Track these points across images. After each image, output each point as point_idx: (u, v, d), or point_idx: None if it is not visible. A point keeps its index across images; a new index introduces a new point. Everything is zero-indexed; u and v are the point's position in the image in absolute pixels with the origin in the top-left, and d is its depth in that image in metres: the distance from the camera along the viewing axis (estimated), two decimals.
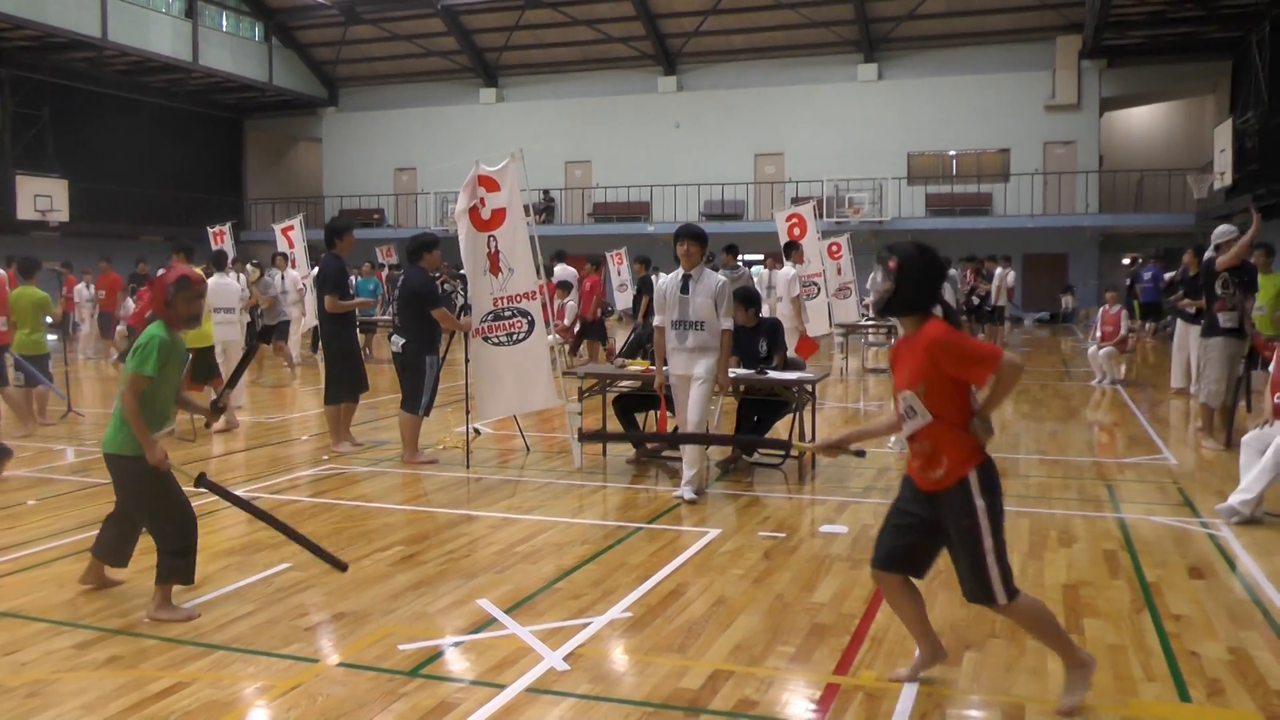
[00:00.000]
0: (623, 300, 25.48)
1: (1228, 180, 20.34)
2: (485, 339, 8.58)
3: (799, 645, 4.66)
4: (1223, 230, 9.49)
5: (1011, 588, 3.82)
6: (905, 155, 32.04)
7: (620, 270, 25.12)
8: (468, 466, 8.79)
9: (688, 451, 7.55)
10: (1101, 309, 15.13)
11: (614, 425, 9.32)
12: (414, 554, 6.17)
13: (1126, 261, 28.82)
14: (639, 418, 9.24)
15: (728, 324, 7.42)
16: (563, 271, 18.51)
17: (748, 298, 8.93)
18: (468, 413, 9.13)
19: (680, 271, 7.42)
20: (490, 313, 8.56)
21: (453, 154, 34.49)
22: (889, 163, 31.61)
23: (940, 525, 3.89)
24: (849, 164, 31.35)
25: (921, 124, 31.63)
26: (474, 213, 8.41)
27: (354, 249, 9.71)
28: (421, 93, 35.96)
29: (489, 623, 4.97)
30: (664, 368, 7.54)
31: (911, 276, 3.87)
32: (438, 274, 20.25)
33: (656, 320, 7.52)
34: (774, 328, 9.06)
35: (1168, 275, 22.59)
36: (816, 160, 31.79)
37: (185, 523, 5.02)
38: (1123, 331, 14.69)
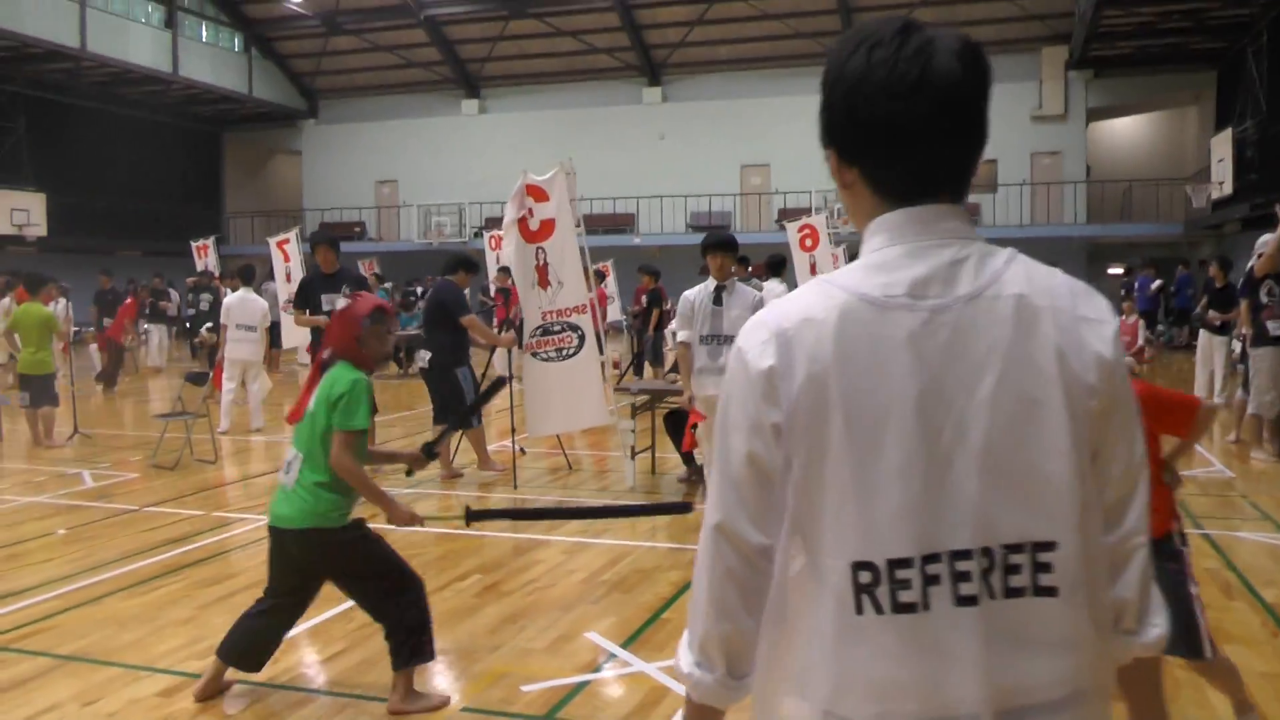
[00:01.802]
0: (611, 313, 25.18)
1: (1227, 189, 20.38)
2: (534, 354, 8.29)
3: None
4: (1265, 240, 9.34)
5: (1213, 641, 3.63)
6: None
7: (607, 283, 24.83)
8: (515, 486, 8.49)
9: None
10: (1119, 319, 15.01)
11: (664, 441, 9.02)
12: (495, 583, 5.86)
13: (1119, 271, 28.95)
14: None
15: None
16: None
17: None
18: (514, 431, 8.84)
19: (711, 283, 6.90)
20: (539, 327, 8.27)
21: (435, 166, 34.17)
22: None
23: None
24: None
25: None
26: (523, 224, 8.13)
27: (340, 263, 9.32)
28: (403, 104, 35.53)
29: (609, 659, 4.69)
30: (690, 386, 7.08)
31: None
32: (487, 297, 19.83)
33: (682, 336, 6.97)
34: None
35: (1155, 284, 22.74)
36: (803, 172, 31.59)
37: (418, 590, 4.15)
38: (1140, 341, 14.61)
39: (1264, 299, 9.16)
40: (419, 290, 23.07)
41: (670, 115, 33.24)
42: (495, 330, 13.28)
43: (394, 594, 4.07)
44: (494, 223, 29.62)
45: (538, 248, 8.20)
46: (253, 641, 4.21)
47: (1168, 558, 3.48)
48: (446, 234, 32.33)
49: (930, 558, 1.33)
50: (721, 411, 1.46)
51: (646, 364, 16.37)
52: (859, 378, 1.35)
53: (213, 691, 4.25)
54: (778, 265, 13.33)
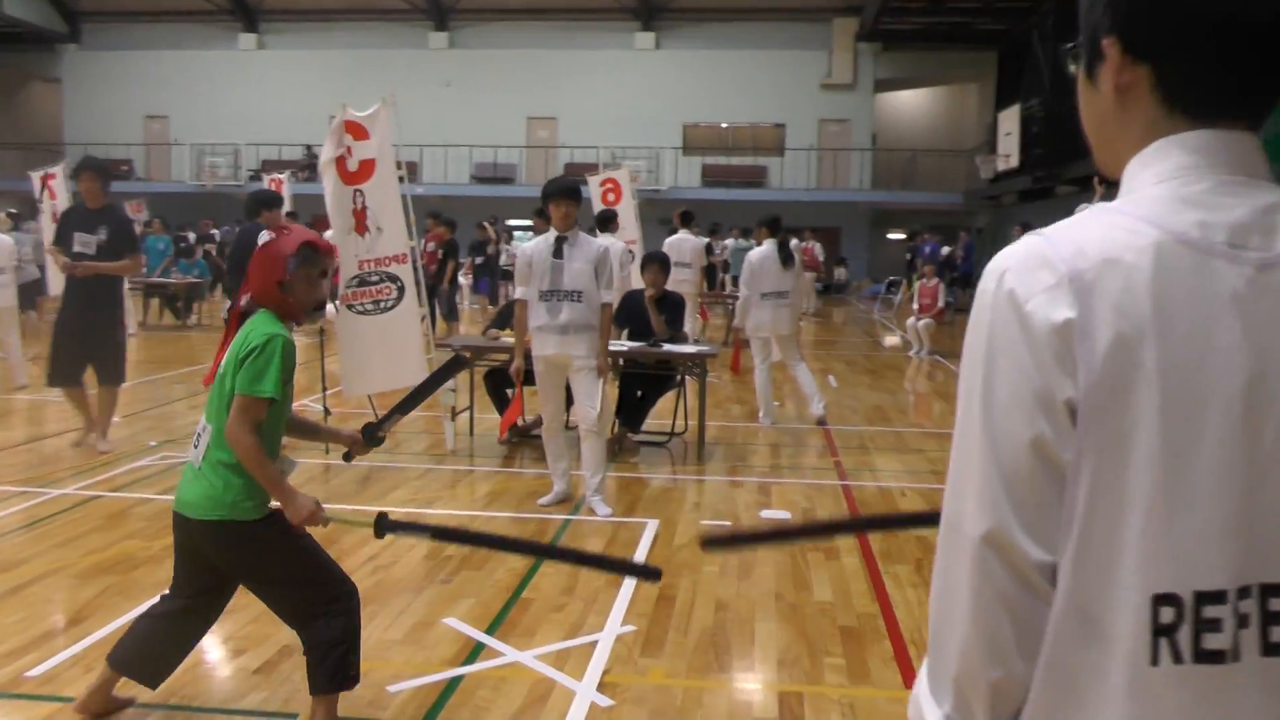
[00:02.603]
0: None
1: (1014, 162, 21.40)
2: (350, 306, 7.53)
3: (845, 656, 4.13)
4: (1083, 207, 9.60)
5: None
6: (681, 126, 32.05)
7: None
8: (326, 451, 7.72)
9: (588, 454, 6.38)
10: (920, 282, 15.43)
11: (484, 402, 8.44)
12: None
13: (900, 236, 30.06)
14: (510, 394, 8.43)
15: (609, 296, 6.46)
16: None
17: (664, 261, 8.31)
18: (324, 390, 8.06)
19: (551, 234, 6.27)
20: (355, 277, 7.51)
21: (210, 103, 31.76)
22: (665, 132, 31.52)
23: None
24: (624, 132, 31.01)
25: (698, 95, 31.70)
26: (340, 163, 7.33)
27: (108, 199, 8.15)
28: (175, 34, 32.72)
29: (478, 649, 4.15)
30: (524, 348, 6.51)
31: None
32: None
33: (520, 292, 6.37)
34: (678, 301, 8.47)
35: (945, 250, 23.68)
36: (591, 127, 31.29)
37: (347, 599, 3.33)
38: (940, 304, 15.02)
39: None
40: (191, 236, 21.39)
41: (457, 62, 32.10)
42: None
43: (316, 603, 3.26)
44: (271, 165, 27.93)
45: (356, 190, 7.43)
46: (154, 649, 3.38)
47: None
48: (221, 176, 30.23)
49: (1243, 591, 0.98)
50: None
51: (440, 320, 15.62)
52: (1181, 346, 0.97)
53: (101, 709, 3.42)
54: (608, 221, 12.81)
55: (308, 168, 30.40)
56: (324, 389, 8.14)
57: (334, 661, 3.23)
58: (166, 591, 3.46)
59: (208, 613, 3.46)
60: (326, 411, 8.12)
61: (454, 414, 7.94)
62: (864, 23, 29.32)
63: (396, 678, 3.84)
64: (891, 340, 17.88)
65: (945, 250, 23.54)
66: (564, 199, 6.15)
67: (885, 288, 26.49)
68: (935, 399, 11.32)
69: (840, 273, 31.40)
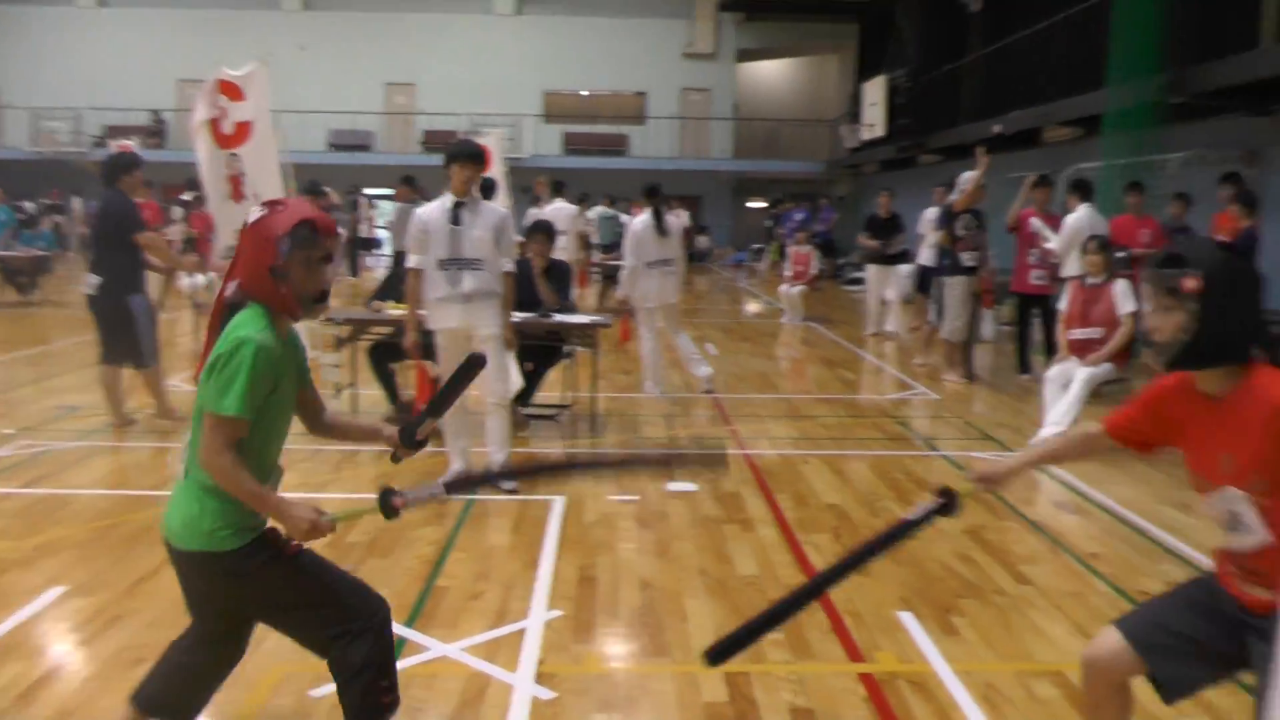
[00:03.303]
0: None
1: (879, 131, 21.82)
2: None
3: (784, 632, 4.03)
4: (966, 176, 9.80)
5: None
6: (541, 93, 31.65)
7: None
8: None
9: (495, 430, 6.17)
10: (792, 250, 15.56)
11: (365, 376, 8.07)
12: None
13: (762, 205, 30.38)
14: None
15: (509, 264, 6.26)
16: None
17: (550, 231, 8.07)
18: (199, 370, 7.58)
19: (449, 198, 5.97)
20: (232, 246, 7.07)
21: (46, 64, 29.74)
22: (525, 100, 31.08)
23: (1245, 643, 2.50)
24: (484, 99, 30.43)
25: (559, 63, 31.35)
26: (215, 125, 6.90)
27: None
28: None
29: (399, 645, 3.91)
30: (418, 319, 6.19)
31: (1223, 302, 2.38)
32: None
33: (414, 261, 6.03)
34: (565, 271, 8.26)
35: (797, 216, 24.01)
36: (450, 93, 30.62)
37: (370, 616, 2.83)
38: (813, 271, 15.18)
39: (960, 232, 9.61)
40: (28, 206, 20.06)
41: (311, 25, 30.95)
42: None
43: (332, 627, 2.79)
44: (116, 131, 26.37)
45: (231, 154, 7.02)
46: (180, 686, 2.92)
47: None
48: (62, 142, 28.40)
49: None
50: None
51: None
52: None
53: None
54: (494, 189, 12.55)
55: (156, 134, 28.88)
56: (199, 367, 7.66)
57: (359, 689, 2.79)
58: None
59: (231, 645, 2.97)
60: None
61: (338, 391, 7.59)
62: None
63: (319, 681, 3.57)
64: (754, 307, 18.05)
65: (800, 217, 23.74)
66: (468, 162, 5.89)
67: (748, 255, 26.77)
68: (815, 364, 11.41)
69: (703, 241, 31.57)
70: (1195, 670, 2.60)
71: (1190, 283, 2.37)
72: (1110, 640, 2.63)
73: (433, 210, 6.00)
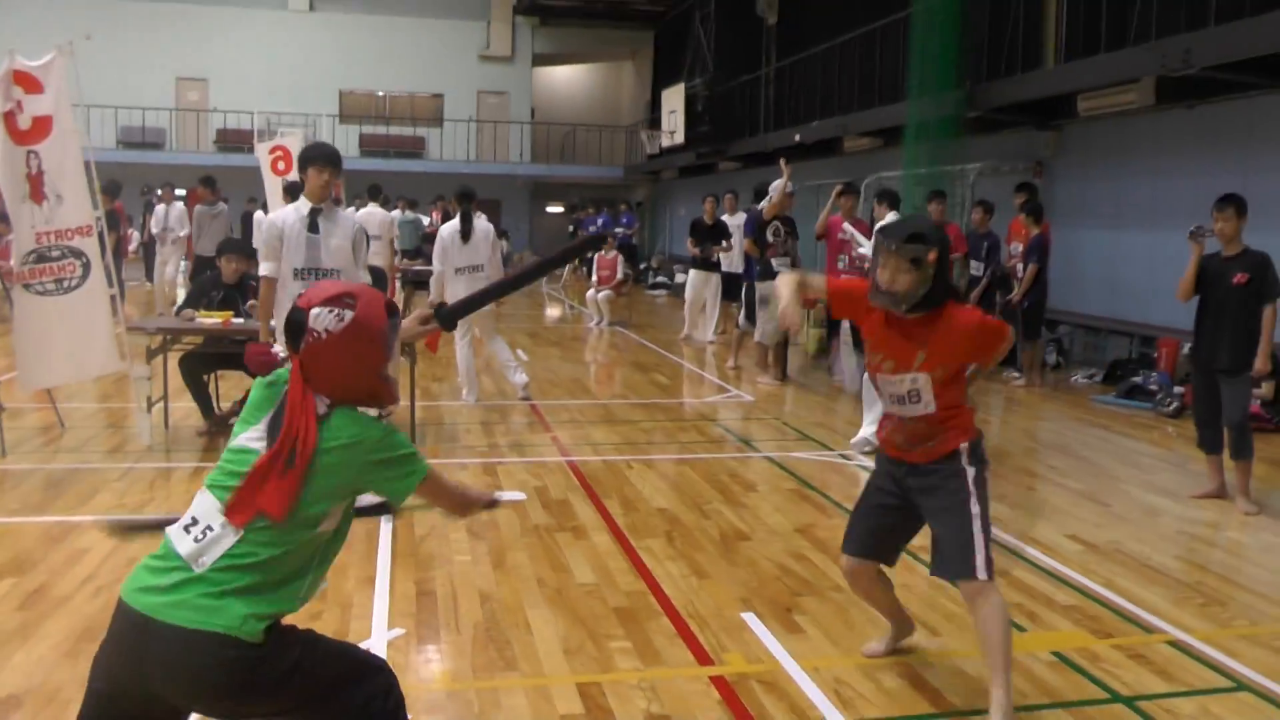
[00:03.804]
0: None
1: (679, 138, 22.12)
2: (28, 286, 6.51)
3: (630, 639, 4.02)
4: (776, 185, 10.04)
5: (992, 566, 3.38)
6: (337, 92, 30.74)
7: None
8: (3, 454, 6.65)
9: None
10: (597, 254, 15.61)
11: (177, 386, 7.55)
12: (40, 587, 4.42)
13: (558, 210, 30.45)
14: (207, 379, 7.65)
15: (365, 274, 6.06)
16: None
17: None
18: None
19: (304, 204, 5.80)
20: (33, 252, 6.49)
21: None
22: (321, 99, 30.09)
23: (916, 507, 3.55)
24: (279, 97, 29.32)
25: (354, 62, 30.52)
26: (10, 119, 6.30)
27: None
28: None
29: None
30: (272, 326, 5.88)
31: (944, 265, 3.42)
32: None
33: (266, 268, 5.83)
34: (380, 277, 8.00)
35: (599, 221, 24.14)
36: (244, 90, 29.34)
37: (385, 680, 2.45)
38: (619, 275, 15.28)
39: (770, 238, 9.86)
40: None
41: (97, 13, 28.94)
42: None
43: (366, 696, 2.38)
44: None
45: (29, 151, 6.41)
46: None
47: (951, 479, 3.44)
48: None
49: None
50: None
51: None
52: None
53: None
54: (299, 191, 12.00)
55: None
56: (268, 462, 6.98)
57: None
58: None
59: None
60: (0, 407, 6.98)
61: (150, 405, 7.08)
62: None
63: None
64: (553, 312, 18.05)
65: (600, 221, 23.79)
66: (326, 165, 5.66)
67: None
68: (626, 369, 11.47)
69: (503, 245, 31.34)
70: (901, 540, 3.71)
71: (930, 255, 3.34)
72: (849, 563, 3.72)
73: (286, 215, 5.74)
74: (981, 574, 3.33)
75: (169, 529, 2.32)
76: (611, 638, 4.01)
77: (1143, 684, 3.73)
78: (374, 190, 13.67)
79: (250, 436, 2.35)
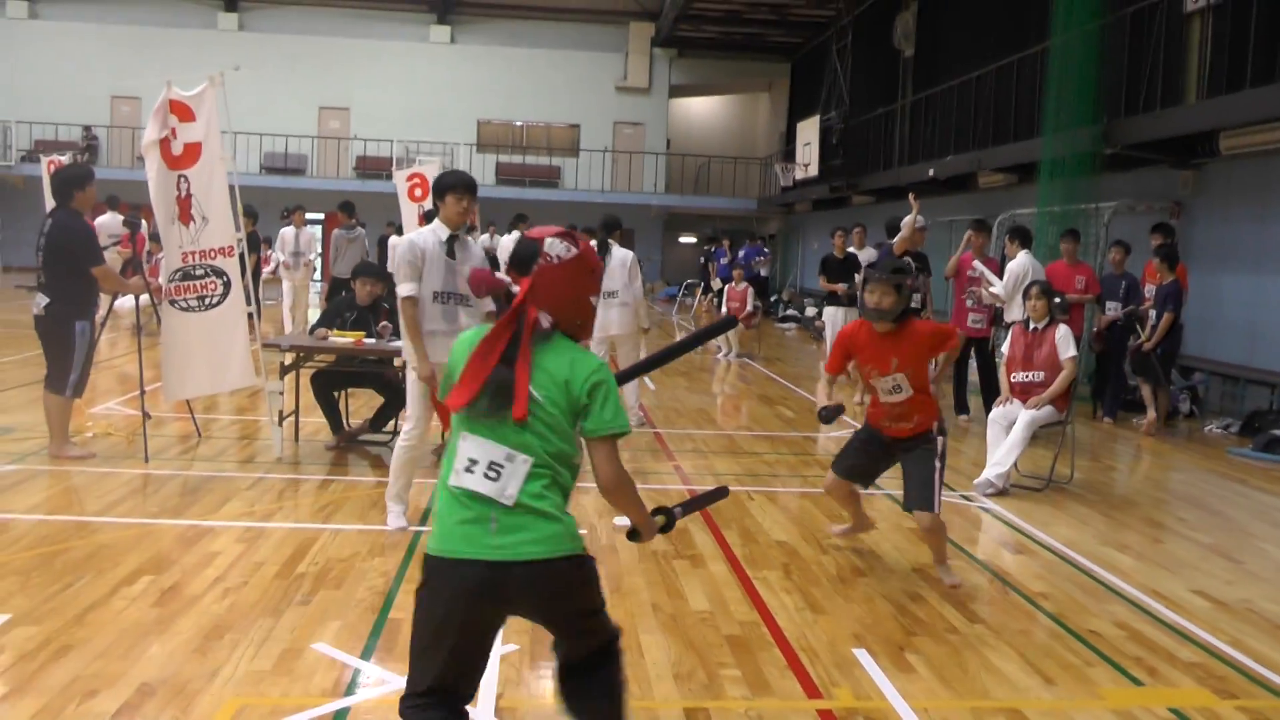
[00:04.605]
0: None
1: (813, 171, 22.17)
2: (173, 302, 6.98)
3: (740, 668, 4.09)
4: (906, 220, 10.01)
5: (941, 505, 5.14)
6: (475, 122, 31.67)
7: None
8: (146, 460, 7.13)
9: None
10: (728, 286, 15.74)
11: (309, 402, 7.97)
12: (174, 586, 4.76)
13: (691, 240, 30.68)
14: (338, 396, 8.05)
15: (490, 304, 6.14)
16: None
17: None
18: (143, 393, 7.43)
19: (442, 230, 5.80)
20: (179, 270, 6.97)
21: None
22: (459, 128, 31.11)
23: (894, 455, 5.33)
24: (417, 126, 30.42)
25: (493, 92, 31.45)
26: (165, 146, 6.79)
27: None
28: None
29: (356, 676, 3.88)
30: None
31: (911, 293, 5.22)
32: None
33: (407, 289, 5.75)
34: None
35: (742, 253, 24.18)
36: (384, 119, 30.52)
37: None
38: (749, 307, 15.36)
39: None
40: None
41: (246, 45, 30.56)
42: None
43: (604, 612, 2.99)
44: (47, 146, 25.78)
45: (180, 175, 6.90)
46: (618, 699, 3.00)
47: (925, 443, 5.16)
48: None
49: None
50: None
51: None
52: None
53: None
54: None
55: (88, 150, 28.22)
56: (142, 389, 7.50)
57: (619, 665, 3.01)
58: None
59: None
60: (146, 415, 7.48)
61: (281, 418, 7.49)
62: (659, 28, 29.79)
63: (276, 713, 3.53)
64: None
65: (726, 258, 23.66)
66: (465, 192, 5.69)
67: (681, 290, 26.92)
68: (751, 400, 11.53)
69: None
70: (873, 474, 5.59)
71: (910, 282, 5.15)
72: (832, 478, 5.53)
73: (425, 238, 5.77)
74: (936, 509, 5.09)
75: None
76: (722, 665, 4.10)
77: None
78: (518, 219, 14.17)
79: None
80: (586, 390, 2.74)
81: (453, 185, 5.70)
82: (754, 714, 3.69)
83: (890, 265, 5.13)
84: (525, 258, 2.80)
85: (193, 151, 6.90)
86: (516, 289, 2.78)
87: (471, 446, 2.73)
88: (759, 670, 4.06)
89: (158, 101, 6.77)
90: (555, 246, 2.79)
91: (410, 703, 2.78)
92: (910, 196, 10.10)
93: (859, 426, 5.64)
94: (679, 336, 18.73)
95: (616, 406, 2.77)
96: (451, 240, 5.75)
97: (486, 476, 2.71)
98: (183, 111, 6.86)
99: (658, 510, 3.09)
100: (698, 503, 3.39)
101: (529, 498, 2.71)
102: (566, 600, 2.83)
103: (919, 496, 5.10)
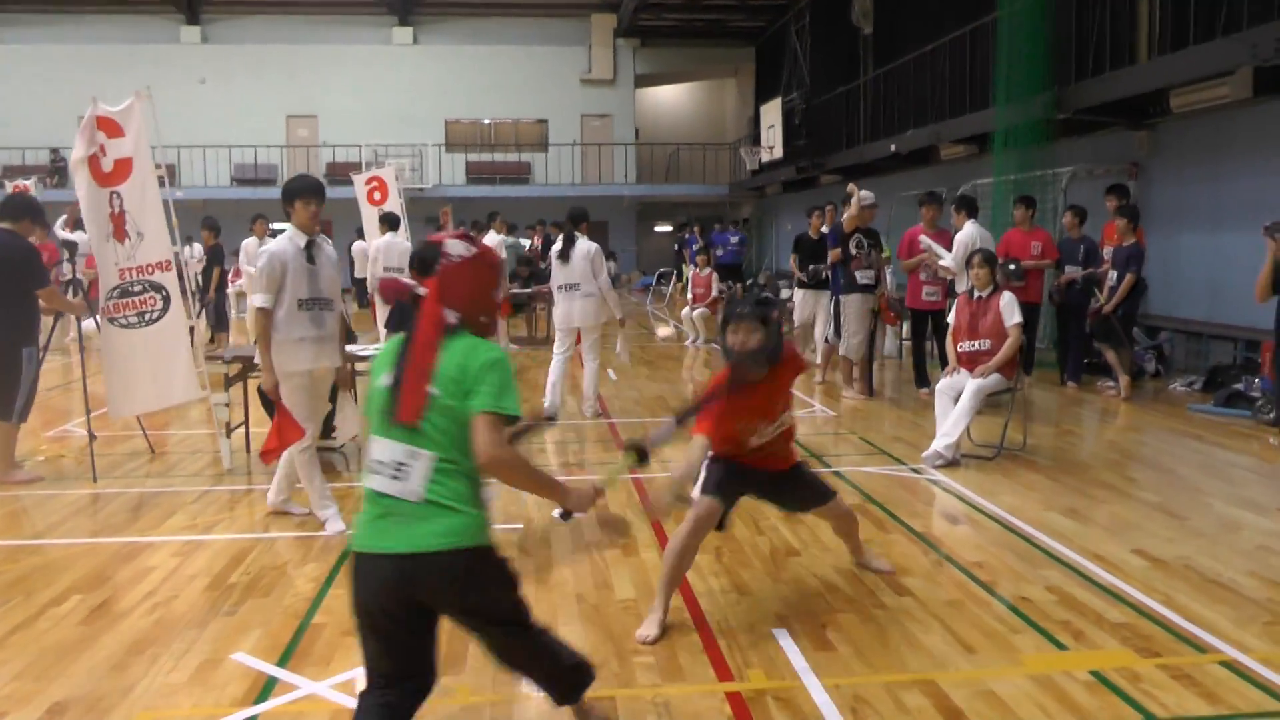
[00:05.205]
0: None
1: (778, 153, 22.15)
2: (112, 320, 6.94)
3: (655, 654, 4.08)
4: (865, 195, 9.97)
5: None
6: (443, 122, 31.59)
7: None
8: (95, 479, 7.10)
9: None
10: (692, 272, 15.70)
11: (258, 415, 7.94)
12: (104, 602, 4.73)
13: (668, 229, 30.62)
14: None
15: (341, 305, 6.09)
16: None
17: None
18: (88, 413, 7.40)
19: (300, 237, 5.68)
20: (117, 287, 6.92)
21: None
22: (426, 129, 31.03)
23: (771, 491, 4.74)
24: (385, 129, 30.33)
25: (458, 91, 31.35)
26: (94, 163, 6.74)
27: None
28: None
29: (270, 684, 3.86)
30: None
31: (778, 327, 4.31)
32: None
33: (262, 299, 5.60)
34: None
35: (697, 243, 24.14)
36: (351, 124, 30.45)
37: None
38: (714, 293, 15.33)
39: (853, 251, 9.80)
40: None
41: (211, 58, 30.49)
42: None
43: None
44: (13, 171, 25.67)
45: (112, 192, 6.84)
46: (560, 657, 3.31)
47: (803, 466, 4.81)
48: None
49: None
50: None
51: (207, 330, 14.70)
52: None
53: None
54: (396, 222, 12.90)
55: (56, 173, 28.09)
56: (88, 410, 7.47)
57: (568, 657, 3.29)
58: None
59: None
60: (92, 435, 7.45)
61: (229, 430, 7.45)
62: (621, 19, 29.71)
63: None
64: (664, 331, 18.16)
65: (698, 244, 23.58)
66: (313, 197, 5.66)
67: (655, 279, 26.90)
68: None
69: (610, 266, 31.64)
70: (737, 496, 4.61)
71: (775, 315, 4.27)
72: (709, 501, 4.44)
73: (283, 247, 5.67)
74: (837, 493, 4.86)
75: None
76: (637, 653, 4.08)
77: (1183, 706, 3.61)
78: (491, 216, 14.24)
79: (384, 379, 2.93)
80: (477, 373, 2.85)
81: (300, 191, 5.65)
82: (661, 700, 3.67)
83: (754, 298, 4.34)
84: (427, 260, 2.98)
85: (123, 167, 6.84)
86: (423, 291, 2.94)
87: (378, 448, 2.90)
88: (674, 655, 4.05)
89: (84, 119, 6.71)
90: (455, 247, 2.98)
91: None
92: (850, 187, 10.11)
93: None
94: (654, 326, 18.75)
95: (504, 388, 2.85)
96: (309, 246, 5.71)
97: (394, 476, 2.86)
98: (110, 128, 6.80)
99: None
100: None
101: (434, 493, 2.84)
102: (473, 592, 2.91)
103: (819, 493, 4.75)
